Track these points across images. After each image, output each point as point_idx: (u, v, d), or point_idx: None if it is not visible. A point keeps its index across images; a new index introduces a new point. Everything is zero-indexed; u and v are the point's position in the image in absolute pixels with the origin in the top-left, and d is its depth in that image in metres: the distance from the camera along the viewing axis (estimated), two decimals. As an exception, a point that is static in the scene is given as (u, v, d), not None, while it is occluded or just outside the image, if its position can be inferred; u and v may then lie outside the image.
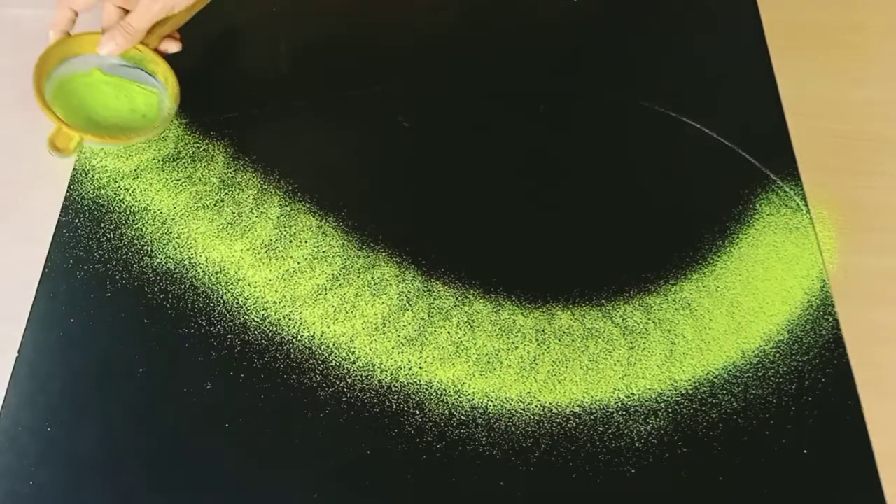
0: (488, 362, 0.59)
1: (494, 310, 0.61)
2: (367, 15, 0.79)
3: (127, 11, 0.65)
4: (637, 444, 0.56)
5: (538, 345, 0.60)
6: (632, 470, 0.55)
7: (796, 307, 0.62)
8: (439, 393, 0.57)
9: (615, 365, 0.59)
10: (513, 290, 0.62)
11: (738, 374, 0.59)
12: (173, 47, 0.68)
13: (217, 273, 0.62)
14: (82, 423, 0.56)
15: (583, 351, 0.60)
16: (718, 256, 0.64)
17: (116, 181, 0.66)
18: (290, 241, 0.64)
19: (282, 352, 0.59)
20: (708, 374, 0.59)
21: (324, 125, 0.71)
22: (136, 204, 0.65)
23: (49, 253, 0.62)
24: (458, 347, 0.59)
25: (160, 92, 0.68)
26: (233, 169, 0.68)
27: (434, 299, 0.61)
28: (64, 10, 0.65)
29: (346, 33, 0.77)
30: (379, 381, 0.58)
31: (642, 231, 0.66)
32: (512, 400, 0.57)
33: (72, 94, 0.67)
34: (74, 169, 0.67)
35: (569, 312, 0.61)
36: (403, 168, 0.69)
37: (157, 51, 0.67)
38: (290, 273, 0.62)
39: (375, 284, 0.62)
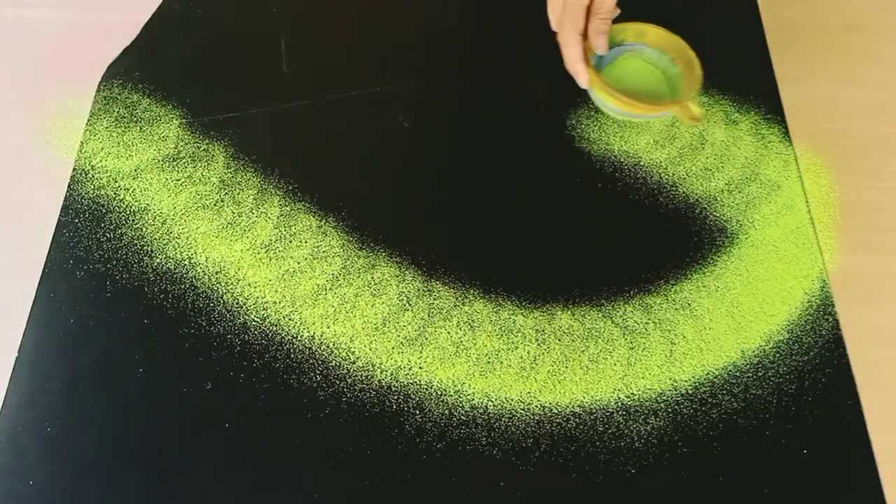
0: (488, 362, 0.59)
1: (494, 310, 0.61)
2: (367, 15, 0.79)
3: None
4: (637, 444, 0.56)
5: (538, 345, 0.60)
6: (632, 470, 0.55)
7: (796, 307, 0.62)
8: (439, 393, 0.57)
9: (615, 365, 0.59)
10: (513, 290, 0.62)
11: (738, 374, 0.59)
12: (616, 10, 0.68)
13: (217, 273, 0.62)
14: (82, 423, 0.56)
15: (583, 351, 0.60)
16: (718, 256, 0.64)
17: (116, 181, 0.66)
18: (290, 241, 0.64)
19: (282, 352, 0.59)
20: (708, 374, 0.59)
21: (324, 125, 0.71)
22: (136, 204, 0.65)
23: (49, 253, 0.62)
24: (458, 347, 0.59)
25: (640, 48, 0.70)
26: (233, 169, 0.68)
27: (434, 299, 0.61)
28: (573, 37, 0.66)
29: (346, 33, 0.77)
30: (379, 381, 0.58)
31: (642, 231, 0.66)
32: (512, 400, 0.57)
33: (627, 93, 0.66)
34: (74, 169, 0.67)
35: (569, 312, 0.61)
36: (403, 168, 0.69)
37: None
38: (290, 273, 0.62)
39: (375, 284, 0.62)
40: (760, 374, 0.59)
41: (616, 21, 0.68)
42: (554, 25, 0.68)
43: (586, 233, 0.66)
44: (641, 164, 0.69)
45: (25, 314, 0.60)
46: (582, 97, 0.71)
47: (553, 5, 0.69)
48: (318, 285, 0.62)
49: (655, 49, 0.69)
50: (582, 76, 0.66)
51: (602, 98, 0.66)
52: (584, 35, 0.66)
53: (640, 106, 0.65)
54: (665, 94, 0.68)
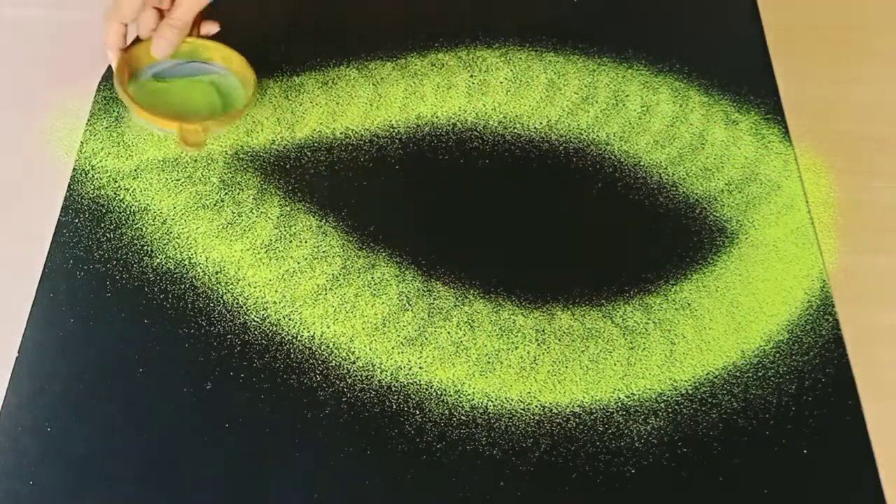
0: (488, 362, 0.59)
1: (494, 310, 0.61)
2: (367, 16, 0.79)
3: (161, 13, 0.65)
4: (637, 444, 0.56)
5: (538, 345, 0.60)
6: (632, 470, 0.55)
7: (796, 307, 0.62)
8: (439, 393, 0.57)
9: (615, 365, 0.59)
10: (513, 290, 0.62)
11: (738, 374, 0.59)
12: (213, 28, 0.68)
13: (217, 273, 0.62)
14: (82, 423, 0.56)
15: (583, 351, 0.60)
16: (718, 256, 0.64)
17: (116, 181, 0.66)
18: (290, 241, 0.64)
19: (282, 352, 0.59)
20: (708, 374, 0.59)
21: (324, 125, 0.71)
22: (136, 204, 0.65)
23: (49, 253, 0.62)
24: (458, 347, 0.59)
25: (225, 74, 0.69)
26: (233, 169, 0.68)
27: (434, 299, 0.61)
28: (114, 25, 0.64)
29: (346, 33, 0.77)
30: (379, 381, 0.58)
31: (642, 231, 0.66)
32: (512, 400, 0.57)
33: (158, 103, 0.66)
34: (74, 169, 0.67)
35: (569, 312, 0.61)
36: (403, 168, 0.69)
37: (200, 37, 0.68)
38: (290, 273, 0.62)
39: (375, 284, 0.62)
40: (760, 374, 0.59)
41: (215, 38, 0.67)
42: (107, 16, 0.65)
43: (586, 233, 0.66)
44: (641, 164, 0.69)
45: (25, 314, 0.60)
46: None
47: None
48: (318, 285, 0.62)
49: (238, 78, 0.68)
50: (113, 60, 0.65)
51: (122, 100, 0.65)
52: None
53: (142, 112, 0.63)
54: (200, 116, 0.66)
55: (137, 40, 0.67)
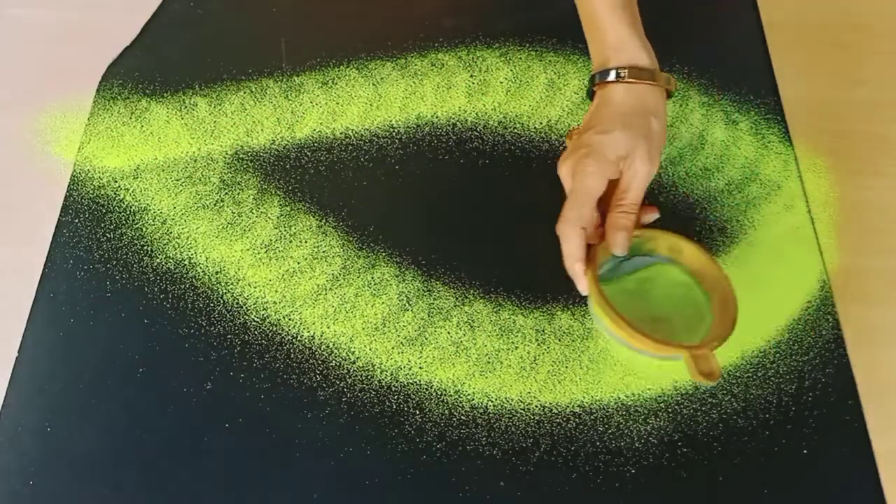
0: (488, 362, 0.59)
1: (494, 310, 0.61)
2: (367, 17, 0.79)
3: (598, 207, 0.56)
4: (637, 444, 0.56)
5: (538, 345, 0.60)
6: (632, 470, 0.55)
7: (796, 307, 0.62)
8: (439, 393, 0.57)
9: (615, 365, 0.59)
10: (513, 290, 0.62)
11: (738, 374, 0.59)
12: (653, 214, 0.57)
13: (217, 273, 0.62)
14: (82, 423, 0.56)
15: (583, 351, 0.60)
16: (718, 256, 0.64)
17: (116, 181, 0.66)
18: (290, 241, 0.64)
19: (282, 352, 0.59)
20: (708, 374, 0.59)
21: (324, 125, 0.71)
22: (136, 204, 0.65)
23: (49, 253, 0.62)
24: (458, 347, 0.59)
25: (666, 263, 0.57)
26: (233, 169, 0.68)
27: (434, 299, 0.61)
28: (574, 231, 0.54)
29: (346, 32, 0.77)
30: (379, 381, 0.58)
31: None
32: (512, 400, 0.57)
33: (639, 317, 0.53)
34: (74, 169, 0.67)
35: (569, 312, 0.61)
36: (403, 168, 0.69)
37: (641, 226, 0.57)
38: (290, 273, 0.62)
39: (375, 284, 0.62)
40: (760, 374, 0.59)
41: (649, 227, 0.57)
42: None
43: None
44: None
45: (25, 314, 0.60)
46: (583, 98, 0.71)
47: (564, 172, 0.57)
48: (318, 285, 0.62)
49: (686, 271, 0.56)
50: (580, 279, 0.54)
51: (598, 315, 0.54)
52: (601, 224, 0.55)
53: (643, 340, 0.51)
54: (687, 331, 0.54)
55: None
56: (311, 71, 0.74)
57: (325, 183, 0.67)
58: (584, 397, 0.58)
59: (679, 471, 0.55)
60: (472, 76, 0.74)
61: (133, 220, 0.64)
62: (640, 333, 0.51)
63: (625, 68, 0.57)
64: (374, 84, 0.73)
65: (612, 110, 0.57)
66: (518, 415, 0.57)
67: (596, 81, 0.59)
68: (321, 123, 0.71)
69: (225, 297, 0.61)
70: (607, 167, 0.54)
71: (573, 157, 0.56)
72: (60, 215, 0.64)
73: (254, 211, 0.65)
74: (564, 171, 0.56)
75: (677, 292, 0.56)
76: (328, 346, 0.59)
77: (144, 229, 0.64)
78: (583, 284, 0.55)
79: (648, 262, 0.57)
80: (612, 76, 0.58)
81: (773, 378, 0.58)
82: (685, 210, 0.66)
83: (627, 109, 0.57)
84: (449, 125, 0.71)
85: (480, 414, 0.57)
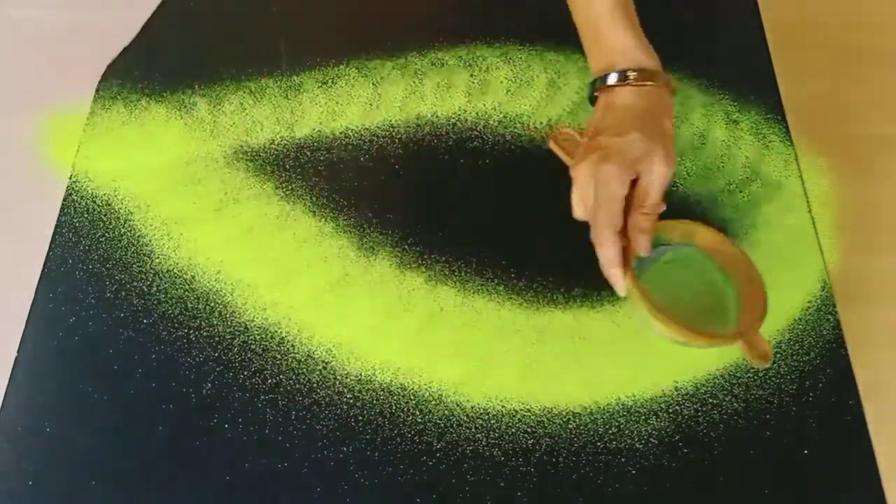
0: (488, 363, 0.59)
1: (494, 310, 0.61)
2: (367, 16, 0.79)
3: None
4: (638, 445, 0.56)
5: (538, 345, 0.60)
6: (632, 470, 0.55)
7: (797, 307, 0.62)
8: (439, 393, 0.57)
9: (615, 365, 0.59)
10: (513, 290, 0.62)
11: (738, 374, 0.59)
12: (660, 206, 0.57)
13: (216, 273, 0.62)
14: (82, 423, 0.56)
15: (583, 351, 0.59)
16: (719, 256, 0.64)
17: (116, 181, 0.66)
18: (290, 241, 0.64)
19: (281, 352, 0.59)
20: (709, 374, 0.59)
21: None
22: (136, 204, 0.65)
23: (49, 253, 0.62)
24: (457, 348, 0.59)
25: (688, 250, 0.58)
26: (233, 169, 0.68)
27: (434, 299, 0.61)
28: (609, 236, 0.54)
29: (346, 32, 0.77)
30: (379, 382, 0.58)
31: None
32: (512, 400, 0.57)
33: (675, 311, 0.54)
34: (74, 169, 0.67)
35: (569, 312, 0.61)
36: (403, 168, 0.68)
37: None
38: (289, 273, 0.62)
39: (375, 284, 0.62)
40: (760, 374, 0.59)
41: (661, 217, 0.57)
42: (580, 214, 0.57)
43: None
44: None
45: (25, 314, 0.60)
46: (584, 98, 0.71)
47: (581, 189, 0.56)
48: (318, 285, 0.62)
49: (703, 253, 0.58)
50: (619, 284, 0.55)
51: (645, 315, 0.54)
52: (623, 231, 0.55)
53: (696, 337, 0.52)
54: (718, 311, 0.56)
55: None
56: (310, 70, 0.74)
57: (324, 183, 0.67)
58: (584, 397, 0.58)
59: (679, 471, 0.55)
60: (472, 75, 0.74)
61: (132, 220, 0.64)
62: (695, 332, 0.52)
63: (633, 71, 0.57)
64: (373, 83, 0.73)
65: (624, 113, 0.57)
66: (518, 415, 0.57)
67: (598, 86, 0.59)
68: (321, 123, 0.71)
69: (224, 297, 0.61)
70: (627, 169, 0.54)
71: (589, 161, 0.55)
72: (60, 215, 0.64)
73: (253, 211, 0.65)
74: (582, 175, 0.56)
75: (698, 273, 0.58)
76: (328, 347, 0.59)
77: (144, 229, 0.64)
78: (621, 287, 0.55)
79: (663, 251, 0.58)
80: (618, 79, 0.58)
81: (773, 378, 0.58)
82: (686, 210, 0.66)
83: (640, 111, 0.57)
84: (449, 125, 0.71)
85: (480, 414, 0.57)
